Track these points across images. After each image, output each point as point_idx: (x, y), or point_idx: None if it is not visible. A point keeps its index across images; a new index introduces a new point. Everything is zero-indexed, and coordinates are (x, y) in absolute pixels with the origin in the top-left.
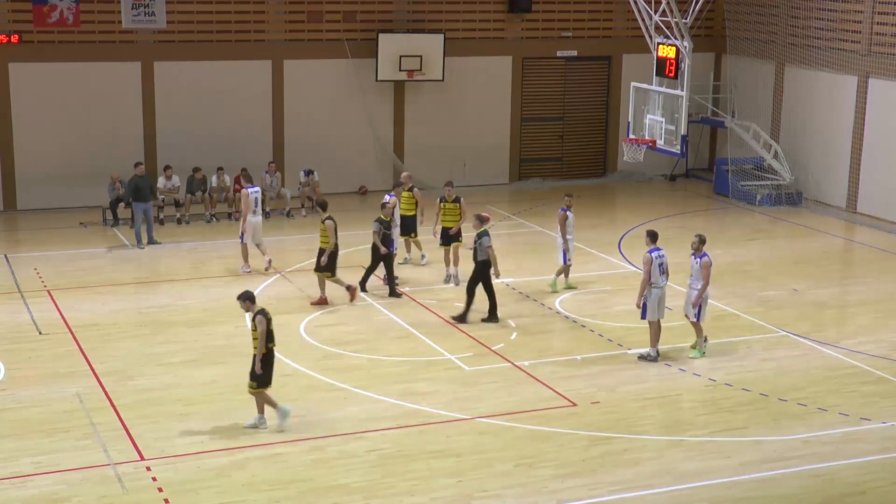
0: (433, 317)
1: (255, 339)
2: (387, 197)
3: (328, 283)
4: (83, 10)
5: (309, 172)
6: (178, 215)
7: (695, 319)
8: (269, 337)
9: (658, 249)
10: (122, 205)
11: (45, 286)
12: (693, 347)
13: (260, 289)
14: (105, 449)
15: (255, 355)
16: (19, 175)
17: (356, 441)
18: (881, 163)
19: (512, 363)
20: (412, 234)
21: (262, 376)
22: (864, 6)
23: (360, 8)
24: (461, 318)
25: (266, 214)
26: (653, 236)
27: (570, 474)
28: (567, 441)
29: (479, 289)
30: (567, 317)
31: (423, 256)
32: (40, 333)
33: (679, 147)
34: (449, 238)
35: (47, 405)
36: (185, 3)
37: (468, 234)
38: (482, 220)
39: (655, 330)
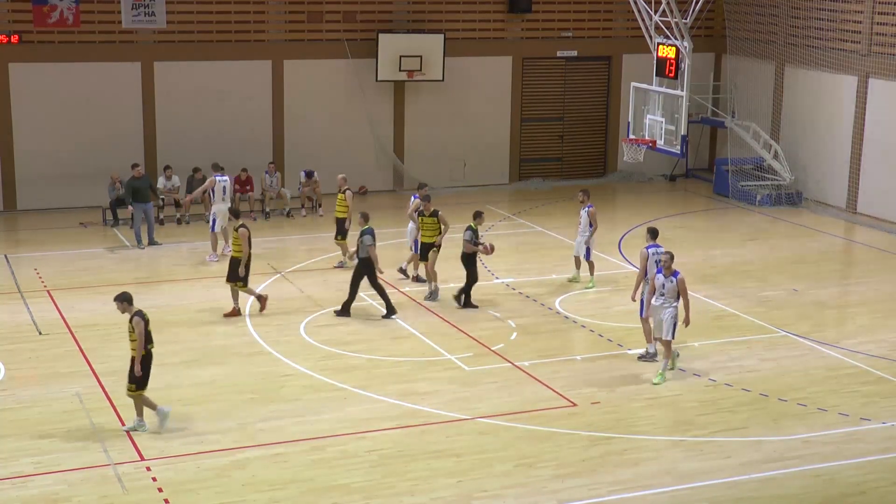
0: (433, 317)
1: (132, 340)
2: (413, 198)
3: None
4: (83, 10)
5: (310, 174)
6: (178, 215)
7: (669, 338)
8: (148, 338)
9: (656, 246)
10: (127, 208)
11: (45, 286)
12: (661, 373)
13: (260, 289)
14: (105, 449)
15: (132, 357)
16: (19, 175)
17: (356, 441)
18: (881, 163)
19: (512, 363)
20: (339, 238)
21: (141, 378)
22: (864, 6)
23: (360, 8)
24: (343, 311)
25: (266, 214)
26: (653, 233)
27: (570, 474)
28: (567, 441)
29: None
30: (567, 317)
31: (351, 258)
32: (40, 333)
33: (679, 147)
34: (427, 253)
35: (47, 405)
36: (185, 3)
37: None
38: (366, 217)
39: (651, 327)
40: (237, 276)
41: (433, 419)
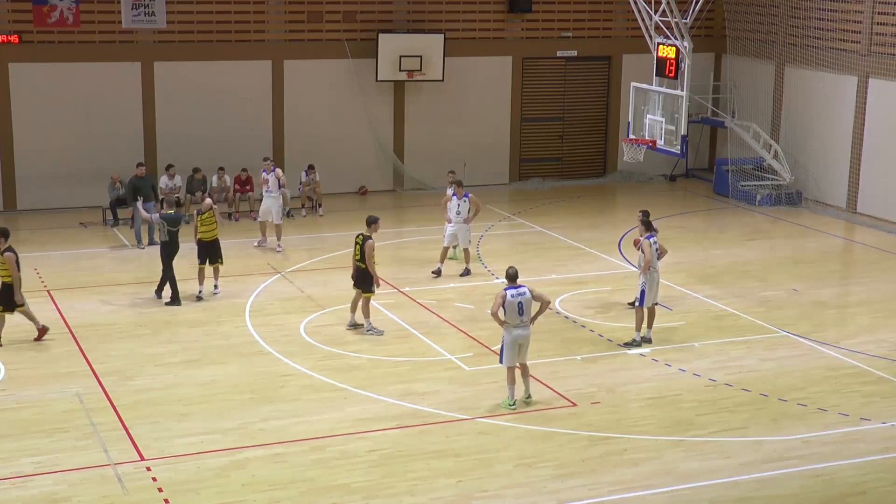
0: (433, 317)
1: None
2: (449, 192)
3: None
4: (83, 10)
5: (311, 172)
6: None
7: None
8: None
9: (652, 235)
10: (136, 204)
11: (45, 286)
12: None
13: (260, 289)
14: (105, 449)
15: None
16: (19, 175)
17: (356, 441)
18: (881, 163)
19: None
20: (219, 261)
21: None
22: (864, 6)
23: (360, 8)
24: (173, 301)
25: None
26: (648, 224)
27: (570, 474)
28: (567, 441)
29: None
30: (567, 317)
31: (215, 287)
32: None
33: (679, 147)
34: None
35: (47, 405)
36: (185, 3)
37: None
38: (177, 203)
39: (648, 315)
40: (14, 303)
41: (433, 419)
